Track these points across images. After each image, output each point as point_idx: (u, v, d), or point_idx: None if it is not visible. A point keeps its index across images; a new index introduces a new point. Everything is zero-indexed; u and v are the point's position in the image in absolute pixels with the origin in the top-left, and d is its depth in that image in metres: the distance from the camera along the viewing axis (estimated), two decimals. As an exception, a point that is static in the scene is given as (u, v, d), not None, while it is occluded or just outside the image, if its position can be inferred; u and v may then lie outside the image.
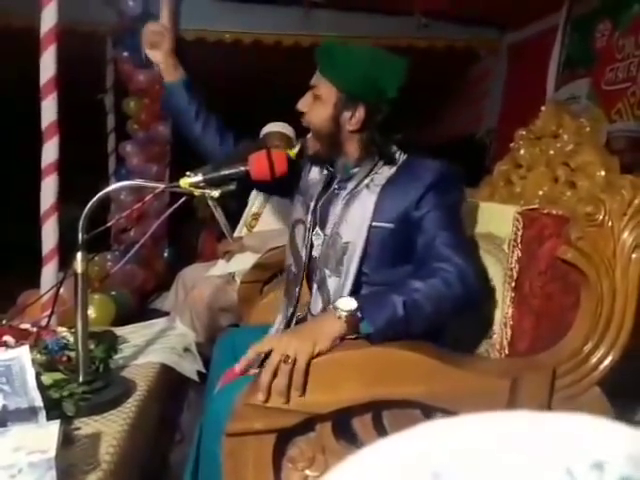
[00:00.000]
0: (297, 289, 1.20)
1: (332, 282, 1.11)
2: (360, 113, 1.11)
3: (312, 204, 1.20)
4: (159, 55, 1.31)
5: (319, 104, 1.13)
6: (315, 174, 1.26)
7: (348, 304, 0.94)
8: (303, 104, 1.16)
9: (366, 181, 1.12)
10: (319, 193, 1.20)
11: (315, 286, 1.16)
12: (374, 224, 1.08)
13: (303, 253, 1.20)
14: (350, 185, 1.14)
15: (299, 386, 0.86)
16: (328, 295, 1.13)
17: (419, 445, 0.24)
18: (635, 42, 3.04)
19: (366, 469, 0.23)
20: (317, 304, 1.15)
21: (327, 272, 1.13)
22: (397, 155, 1.15)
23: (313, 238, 1.19)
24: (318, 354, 0.88)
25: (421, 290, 0.96)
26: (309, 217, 1.20)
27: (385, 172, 1.13)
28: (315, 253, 1.18)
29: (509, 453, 0.22)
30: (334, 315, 0.93)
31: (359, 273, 1.09)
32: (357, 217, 1.10)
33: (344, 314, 0.92)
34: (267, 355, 0.92)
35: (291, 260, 1.25)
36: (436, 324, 1.02)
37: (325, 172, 1.23)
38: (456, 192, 1.11)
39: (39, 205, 1.70)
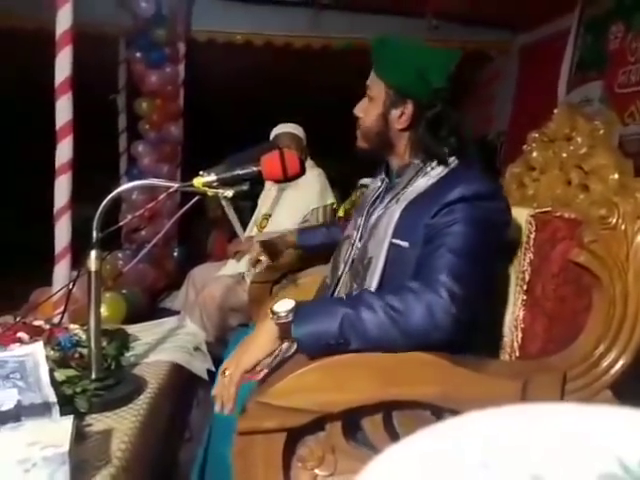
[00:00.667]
0: None
1: None
2: (409, 109, 1.06)
3: (360, 219, 1.16)
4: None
5: (371, 104, 1.10)
6: (371, 188, 1.23)
7: (283, 306, 0.91)
8: (359, 109, 1.13)
9: (401, 194, 1.06)
10: (368, 207, 1.16)
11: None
12: (393, 241, 1.01)
13: (341, 268, 1.16)
14: (388, 197, 1.10)
15: (228, 399, 0.89)
16: None
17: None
18: (649, 45, 3.02)
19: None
20: None
21: (355, 286, 1.08)
22: (448, 160, 1.06)
23: (354, 253, 1.14)
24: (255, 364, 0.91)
25: (374, 309, 0.88)
26: (355, 232, 1.16)
27: (421, 184, 1.05)
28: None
29: (558, 444, 0.21)
30: (270, 319, 0.92)
31: (379, 289, 1.01)
32: (382, 232, 1.04)
33: (276, 316, 0.91)
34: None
35: (329, 273, 1.25)
36: (386, 347, 0.88)
37: (379, 184, 1.19)
38: (485, 212, 0.95)
39: (44, 206, 1.73)
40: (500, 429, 0.23)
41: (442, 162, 1.05)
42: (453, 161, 1.06)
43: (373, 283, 1.02)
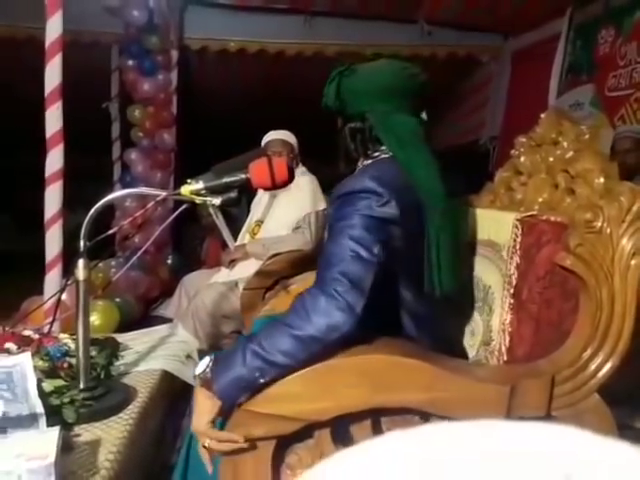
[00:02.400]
0: None
1: None
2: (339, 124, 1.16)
3: None
4: None
5: None
6: None
7: (200, 366, 0.93)
8: None
9: None
10: None
11: None
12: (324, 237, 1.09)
13: None
14: None
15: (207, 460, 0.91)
16: None
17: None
18: (637, 48, 3.04)
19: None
20: None
21: None
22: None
23: None
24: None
25: (274, 334, 0.89)
26: None
27: None
28: None
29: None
30: (197, 382, 0.92)
31: None
32: None
33: (199, 378, 0.91)
34: None
35: None
36: (297, 365, 0.88)
37: None
38: (360, 208, 0.95)
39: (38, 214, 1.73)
40: (441, 447, 0.23)
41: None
42: (363, 161, 1.13)
43: None
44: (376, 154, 1.11)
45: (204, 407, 0.89)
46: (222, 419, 0.92)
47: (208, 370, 0.91)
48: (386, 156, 1.09)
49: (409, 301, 1.04)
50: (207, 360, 0.93)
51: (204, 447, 0.90)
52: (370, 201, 0.95)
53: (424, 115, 1.14)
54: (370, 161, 1.12)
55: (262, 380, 0.87)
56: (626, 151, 2.55)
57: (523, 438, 0.23)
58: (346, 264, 0.91)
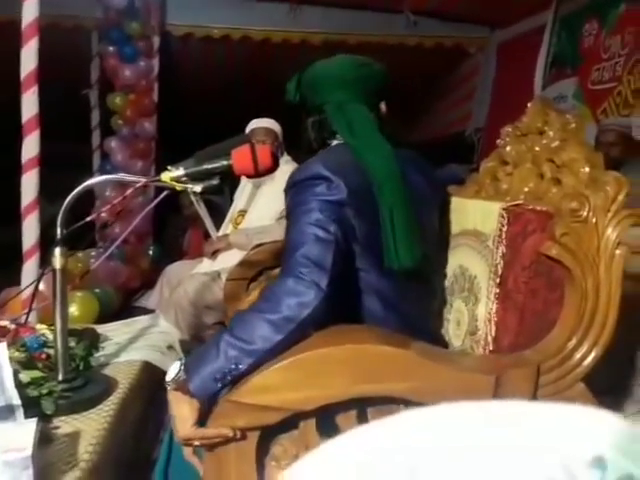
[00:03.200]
0: None
1: None
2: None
3: None
4: None
5: None
6: None
7: (171, 372, 0.92)
8: None
9: None
10: None
11: None
12: None
13: None
14: None
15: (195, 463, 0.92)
16: None
17: (397, 439, 0.22)
18: (621, 42, 3.07)
19: (334, 463, 0.22)
20: None
21: None
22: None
23: None
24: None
25: (245, 321, 0.91)
26: None
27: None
28: None
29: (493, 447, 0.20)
30: (170, 388, 0.91)
31: None
32: None
33: (173, 384, 0.91)
34: None
35: None
36: (273, 351, 0.89)
37: None
38: (308, 195, 1.00)
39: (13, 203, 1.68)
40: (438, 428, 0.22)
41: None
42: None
43: None
44: (332, 142, 1.16)
45: (183, 412, 0.88)
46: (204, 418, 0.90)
47: (181, 373, 0.91)
48: (339, 142, 1.14)
49: (373, 281, 1.06)
50: (177, 364, 0.92)
51: (193, 452, 0.90)
52: (322, 187, 0.99)
53: (382, 105, 1.19)
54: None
55: (240, 368, 0.87)
56: (610, 144, 2.57)
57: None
58: (307, 247, 0.95)
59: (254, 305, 0.95)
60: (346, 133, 1.10)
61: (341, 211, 0.99)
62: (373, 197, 1.03)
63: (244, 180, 2.40)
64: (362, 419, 0.91)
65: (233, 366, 0.87)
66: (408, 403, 0.90)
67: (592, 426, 0.21)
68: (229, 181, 1.07)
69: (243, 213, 2.40)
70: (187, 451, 0.93)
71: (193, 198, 2.22)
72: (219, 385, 0.88)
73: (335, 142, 1.15)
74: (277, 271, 1.78)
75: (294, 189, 1.04)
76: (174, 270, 2.51)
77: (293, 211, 1.01)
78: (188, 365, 0.91)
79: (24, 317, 1.24)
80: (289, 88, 1.19)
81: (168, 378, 0.92)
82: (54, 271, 1.01)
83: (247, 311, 0.95)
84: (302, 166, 1.07)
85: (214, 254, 2.34)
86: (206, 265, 2.35)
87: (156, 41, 3.93)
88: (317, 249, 0.95)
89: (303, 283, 0.91)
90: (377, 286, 1.06)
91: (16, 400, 0.94)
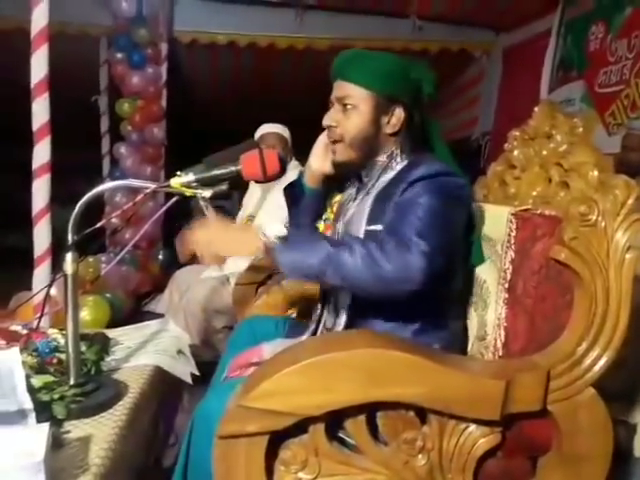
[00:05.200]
0: (319, 305, 1.24)
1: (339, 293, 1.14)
2: (400, 114, 1.13)
3: (338, 225, 1.23)
4: (328, 166, 1.27)
5: (354, 113, 1.13)
6: (346, 199, 1.28)
7: (275, 230, 1.00)
8: (331, 119, 1.16)
9: (371, 187, 1.15)
10: (347, 208, 1.22)
11: (332, 299, 1.19)
12: (367, 228, 1.09)
13: None
14: (361, 195, 1.18)
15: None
16: (336, 303, 1.15)
17: None
18: (628, 45, 3.05)
19: None
20: (330, 317, 1.19)
21: None
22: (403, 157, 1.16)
23: None
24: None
25: (355, 253, 0.95)
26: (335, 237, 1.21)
27: (389, 175, 1.14)
28: None
29: None
30: (257, 234, 1.01)
31: None
32: (355, 224, 1.12)
33: (263, 237, 0.99)
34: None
35: None
36: (356, 292, 1.01)
37: (354, 188, 1.24)
38: (444, 187, 1.04)
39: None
40: None
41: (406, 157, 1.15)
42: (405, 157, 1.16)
43: None
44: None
45: (239, 249, 1.06)
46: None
47: (275, 240, 0.99)
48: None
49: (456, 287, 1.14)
50: (281, 229, 1.01)
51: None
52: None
53: None
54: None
55: (320, 279, 0.98)
56: (633, 148, 2.51)
57: None
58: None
59: (371, 243, 0.98)
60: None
61: (467, 207, 1.12)
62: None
63: (253, 185, 2.41)
64: (372, 424, 0.91)
65: (320, 274, 0.96)
66: (418, 408, 0.90)
67: None
68: (239, 188, 1.08)
69: (252, 218, 2.41)
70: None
71: (202, 203, 2.23)
72: (303, 276, 1.00)
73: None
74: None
75: (431, 179, 1.06)
76: (184, 275, 2.52)
77: (431, 193, 1.04)
78: (289, 242, 0.99)
79: (36, 322, 1.25)
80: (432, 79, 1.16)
81: (267, 231, 1.00)
82: (65, 276, 1.02)
83: (361, 244, 0.98)
84: (431, 162, 1.09)
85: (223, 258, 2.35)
86: (215, 269, 2.36)
87: (164, 48, 3.96)
88: (446, 237, 1.03)
89: (417, 263, 0.95)
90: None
91: (28, 405, 0.94)
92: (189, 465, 1.04)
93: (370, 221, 1.09)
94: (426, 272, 0.94)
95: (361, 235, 1.09)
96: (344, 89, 1.13)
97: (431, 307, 1.06)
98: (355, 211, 1.15)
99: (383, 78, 1.11)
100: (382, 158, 1.15)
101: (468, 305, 1.21)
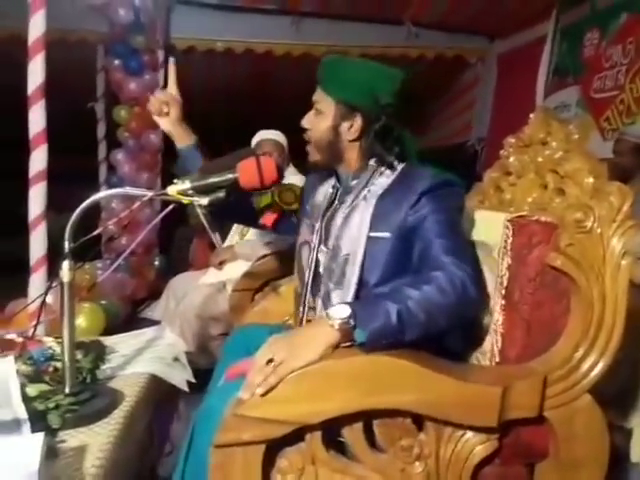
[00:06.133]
0: (301, 309, 1.22)
1: (336, 295, 1.12)
2: (357, 122, 1.15)
3: (317, 224, 1.22)
4: (167, 123, 1.32)
5: (320, 118, 1.18)
6: (320, 195, 1.28)
7: (341, 312, 0.92)
8: (306, 121, 1.21)
9: (364, 192, 1.15)
10: (323, 211, 1.23)
11: (320, 302, 1.17)
12: (371, 235, 1.09)
13: (307, 273, 1.21)
14: (349, 198, 1.17)
15: (267, 388, 0.85)
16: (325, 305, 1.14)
17: None
18: (622, 50, 3.07)
19: None
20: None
21: (331, 286, 1.14)
22: (395, 164, 1.16)
23: (319, 256, 1.20)
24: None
25: (414, 298, 0.94)
26: (314, 237, 1.21)
27: (382, 182, 1.15)
28: (320, 270, 1.19)
29: None
30: (327, 323, 0.92)
31: (360, 284, 1.09)
32: (355, 229, 1.11)
33: (337, 322, 0.91)
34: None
35: (297, 282, 1.28)
36: (431, 332, 0.97)
37: (331, 190, 1.25)
38: (451, 198, 1.09)
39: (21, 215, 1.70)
40: None
41: (389, 167, 1.16)
42: (397, 165, 1.17)
43: (354, 277, 1.09)
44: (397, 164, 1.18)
45: (316, 351, 0.89)
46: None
47: (349, 319, 0.91)
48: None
49: None
50: (346, 308, 0.93)
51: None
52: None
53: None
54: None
55: (400, 340, 0.92)
56: (621, 153, 2.53)
57: None
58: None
59: (420, 284, 0.98)
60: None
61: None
62: None
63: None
64: (369, 432, 0.91)
65: (400, 336, 0.92)
66: (415, 416, 0.90)
67: None
68: (235, 193, 1.08)
69: (247, 225, 2.40)
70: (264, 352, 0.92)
71: (199, 211, 2.22)
72: (385, 345, 0.91)
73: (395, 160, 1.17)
74: (282, 282, 1.79)
75: (439, 190, 1.09)
76: (180, 282, 2.51)
77: (443, 210, 1.07)
78: (362, 317, 0.92)
79: (31, 330, 1.25)
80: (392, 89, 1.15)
81: (333, 313, 0.92)
82: (62, 284, 1.01)
83: (415, 289, 0.96)
84: (433, 170, 1.11)
85: (220, 265, 2.35)
86: (211, 276, 2.35)
87: (161, 54, 3.96)
88: (467, 246, 1.10)
89: (468, 280, 0.97)
90: None
91: (22, 414, 0.94)
92: (186, 472, 1.03)
93: (373, 228, 1.09)
94: (472, 281, 0.97)
95: (363, 241, 1.09)
96: (317, 94, 1.19)
97: None
98: (350, 214, 1.15)
99: (344, 87, 1.15)
100: (372, 163, 1.17)
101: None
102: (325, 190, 1.28)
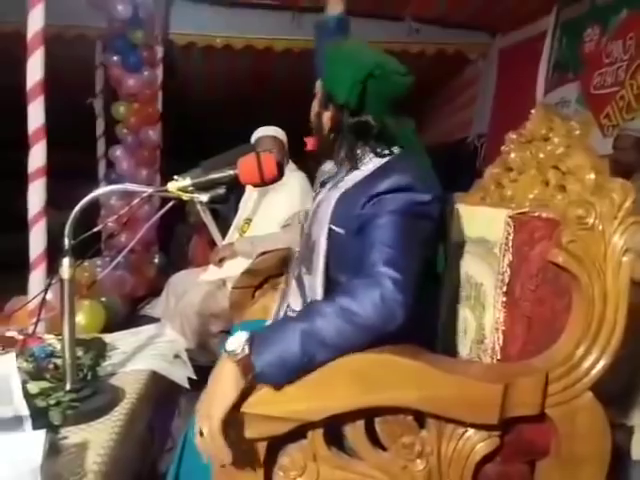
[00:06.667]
0: (286, 287, 1.24)
1: (306, 279, 1.12)
2: (328, 113, 1.13)
3: (312, 205, 1.23)
4: None
5: (315, 101, 1.18)
6: (324, 172, 1.29)
7: (234, 342, 0.85)
8: (314, 104, 1.20)
9: (340, 183, 1.12)
10: (314, 196, 1.24)
11: (294, 283, 1.18)
12: (331, 227, 1.06)
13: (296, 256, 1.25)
14: (327, 187, 1.18)
15: (220, 453, 0.82)
16: (304, 291, 1.14)
17: None
18: (623, 47, 3.07)
19: None
20: (296, 300, 1.17)
21: (303, 269, 1.15)
22: (370, 159, 1.10)
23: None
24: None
25: (327, 316, 0.86)
26: (308, 217, 1.23)
27: (355, 176, 1.10)
28: (299, 251, 1.22)
29: None
30: (227, 359, 0.85)
31: (327, 272, 1.06)
32: (322, 216, 1.09)
33: (232, 355, 0.84)
34: None
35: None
36: (345, 352, 0.86)
37: (326, 176, 1.25)
38: (411, 205, 0.97)
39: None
40: None
41: (357, 161, 1.11)
42: (387, 154, 1.09)
43: (320, 264, 1.06)
44: (392, 150, 1.11)
45: (225, 388, 0.83)
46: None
47: (244, 347, 0.84)
48: (401, 151, 1.10)
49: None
50: (242, 335, 0.85)
51: (200, 434, 0.83)
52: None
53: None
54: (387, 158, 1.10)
55: (309, 364, 0.84)
56: (627, 149, 2.52)
57: None
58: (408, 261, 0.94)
59: (337, 296, 0.90)
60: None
61: (431, 226, 1.03)
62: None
63: (249, 188, 2.40)
64: (370, 429, 0.91)
65: (306, 359, 0.83)
66: (416, 413, 0.90)
67: None
68: (236, 191, 1.07)
69: (249, 221, 2.41)
70: (197, 429, 0.85)
71: (199, 207, 2.22)
72: (290, 371, 0.83)
73: (396, 150, 1.10)
74: (282, 279, 1.79)
75: (394, 195, 0.99)
76: (180, 279, 2.51)
77: (394, 214, 0.98)
78: (258, 342, 0.85)
79: (32, 327, 1.25)
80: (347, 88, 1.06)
81: (229, 348, 0.85)
82: (62, 281, 1.01)
83: (327, 303, 0.90)
84: (399, 172, 1.01)
85: (220, 262, 2.35)
86: (211, 273, 2.35)
87: (159, 50, 3.95)
88: (415, 260, 0.97)
89: (393, 296, 0.88)
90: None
91: (24, 411, 0.94)
92: (182, 470, 1.04)
93: (332, 220, 1.06)
94: (404, 301, 0.88)
95: (325, 230, 1.05)
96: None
97: None
98: (322, 199, 1.14)
99: (328, 74, 1.12)
100: (342, 154, 1.13)
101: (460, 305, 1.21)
102: (329, 168, 1.28)
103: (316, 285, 1.07)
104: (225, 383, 0.84)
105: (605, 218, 0.90)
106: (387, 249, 0.93)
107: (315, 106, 1.18)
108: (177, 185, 1.03)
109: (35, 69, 1.69)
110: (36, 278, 1.71)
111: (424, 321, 1.05)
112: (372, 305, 0.87)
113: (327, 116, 1.13)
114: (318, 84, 1.17)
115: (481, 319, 1.11)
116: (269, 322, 1.30)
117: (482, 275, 1.13)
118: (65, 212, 1.01)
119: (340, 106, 1.08)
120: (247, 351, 0.84)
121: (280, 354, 0.83)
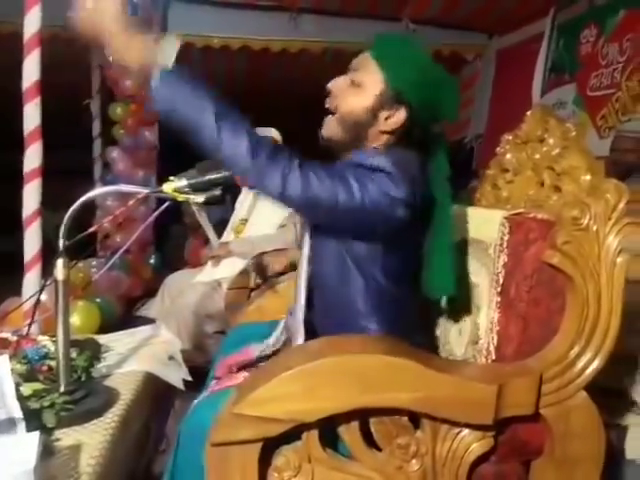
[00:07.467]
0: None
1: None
2: (400, 116, 1.03)
3: None
4: None
5: (356, 91, 1.04)
6: None
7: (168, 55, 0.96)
8: (336, 86, 1.06)
9: None
10: None
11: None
12: None
13: None
14: None
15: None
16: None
17: None
18: (619, 48, 3.07)
19: None
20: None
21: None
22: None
23: None
24: None
25: (240, 136, 0.93)
26: None
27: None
28: None
29: None
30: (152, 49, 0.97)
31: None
32: None
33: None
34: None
35: None
36: (210, 147, 0.92)
37: None
38: (375, 179, 0.94)
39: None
40: None
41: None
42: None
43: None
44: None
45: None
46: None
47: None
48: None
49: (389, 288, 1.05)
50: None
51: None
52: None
53: None
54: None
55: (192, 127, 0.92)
56: (625, 150, 2.53)
57: None
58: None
59: (265, 141, 0.95)
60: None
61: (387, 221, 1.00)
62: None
63: (245, 189, 2.40)
64: (365, 430, 0.91)
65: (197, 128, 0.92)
66: (411, 414, 0.90)
67: None
68: (232, 192, 1.07)
69: (244, 222, 2.40)
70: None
71: (195, 208, 2.22)
72: (172, 116, 0.92)
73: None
74: (279, 279, 1.79)
75: (364, 168, 0.98)
76: (175, 280, 2.51)
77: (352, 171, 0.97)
78: (172, 78, 0.95)
79: (26, 329, 1.24)
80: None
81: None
82: (56, 282, 1.01)
83: (252, 134, 0.95)
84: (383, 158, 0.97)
85: (213, 259, 2.34)
86: (207, 274, 2.34)
87: (157, 51, 3.94)
88: (335, 189, 0.95)
89: (296, 181, 0.92)
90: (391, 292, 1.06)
91: (17, 413, 0.93)
92: (176, 472, 1.03)
93: None
94: (299, 175, 0.91)
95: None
96: (363, 62, 1.05)
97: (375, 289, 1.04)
98: None
99: (404, 74, 1.01)
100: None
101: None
102: None
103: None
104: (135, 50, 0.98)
105: (599, 219, 0.90)
106: (324, 166, 0.95)
107: (357, 95, 1.04)
108: (173, 186, 1.03)
109: (31, 70, 1.68)
110: (31, 279, 1.70)
111: (409, 319, 1.08)
112: (277, 174, 0.91)
113: (385, 115, 1.03)
114: (368, 71, 1.04)
115: (476, 319, 1.11)
116: (266, 324, 1.31)
117: (477, 276, 1.13)
118: (59, 213, 1.01)
119: (414, 111, 1.02)
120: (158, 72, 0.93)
121: (180, 109, 0.94)
